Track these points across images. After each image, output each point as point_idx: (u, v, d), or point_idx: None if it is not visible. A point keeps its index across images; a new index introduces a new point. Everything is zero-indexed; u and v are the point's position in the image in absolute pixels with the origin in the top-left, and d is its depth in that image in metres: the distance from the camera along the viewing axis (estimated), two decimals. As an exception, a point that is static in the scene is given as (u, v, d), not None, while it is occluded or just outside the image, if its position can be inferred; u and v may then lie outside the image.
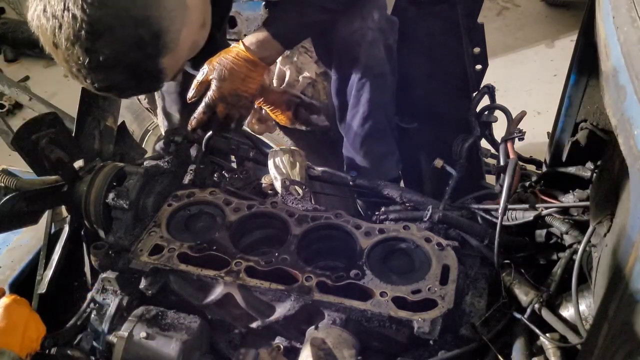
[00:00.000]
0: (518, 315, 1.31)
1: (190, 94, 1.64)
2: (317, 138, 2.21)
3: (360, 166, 1.95)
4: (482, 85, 1.85)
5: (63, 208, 1.68)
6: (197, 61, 1.87)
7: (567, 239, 1.38)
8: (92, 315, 1.42)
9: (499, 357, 1.25)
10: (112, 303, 1.40)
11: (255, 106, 1.95)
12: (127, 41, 1.17)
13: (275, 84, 2.30)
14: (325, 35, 1.77)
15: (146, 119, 2.83)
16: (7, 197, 1.45)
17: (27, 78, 4.60)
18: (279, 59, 2.20)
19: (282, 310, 1.33)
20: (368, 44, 1.72)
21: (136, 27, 1.17)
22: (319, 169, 1.75)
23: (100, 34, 1.16)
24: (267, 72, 2.34)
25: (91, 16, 1.14)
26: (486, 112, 1.79)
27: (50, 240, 1.75)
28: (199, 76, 1.64)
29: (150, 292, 1.38)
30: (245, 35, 2.36)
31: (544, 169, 1.89)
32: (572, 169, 1.57)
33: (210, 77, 1.61)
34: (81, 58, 1.19)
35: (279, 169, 1.66)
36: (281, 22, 1.62)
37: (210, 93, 1.61)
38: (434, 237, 1.41)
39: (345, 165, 2.02)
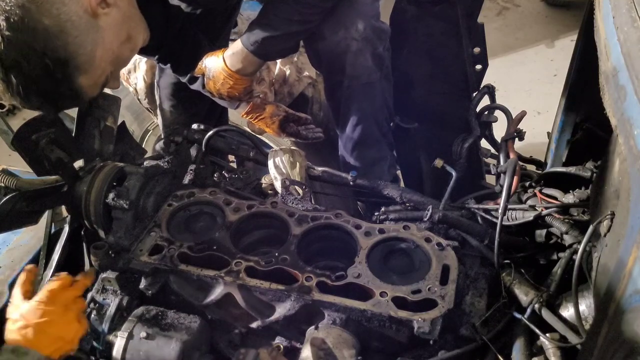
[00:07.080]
0: (518, 315, 1.30)
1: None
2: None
3: (353, 168, 1.95)
4: (482, 85, 1.85)
5: (63, 208, 1.68)
6: (180, 66, 1.91)
7: (567, 239, 1.38)
8: (92, 315, 1.42)
9: (499, 357, 1.25)
10: (112, 303, 1.40)
11: (242, 117, 1.98)
12: (34, 73, 1.22)
13: (275, 84, 2.31)
14: (314, 44, 1.77)
15: (146, 119, 2.83)
16: (7, 197, 1.45)
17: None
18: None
19: (282, 310, 1.33)
20: (353, 55, 1.73)
21: (41, 58, 1.21)
22: (319, 169, 1.75)
23: (9, 67, 1.21)
24: (267, 72, 2.35)
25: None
26: (486, 112, 1.79)
27: (50, 240, 1.75)
28: (199, 65, 1.76)
29: (150, 292, 1.38)
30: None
31: (544, 169, 1.89)
32: (572, 169, 1.57)
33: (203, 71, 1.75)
34: (1, 86, 1.26)
35: (279, 169, 1.66)
36: (254, 35, 1.63)
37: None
38: (434, 237, 1.41)
39: (341, 164, 2.02)
